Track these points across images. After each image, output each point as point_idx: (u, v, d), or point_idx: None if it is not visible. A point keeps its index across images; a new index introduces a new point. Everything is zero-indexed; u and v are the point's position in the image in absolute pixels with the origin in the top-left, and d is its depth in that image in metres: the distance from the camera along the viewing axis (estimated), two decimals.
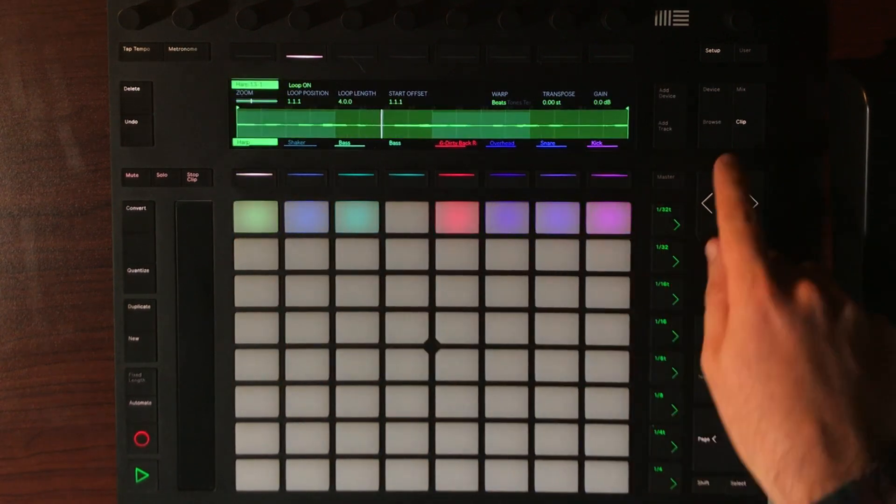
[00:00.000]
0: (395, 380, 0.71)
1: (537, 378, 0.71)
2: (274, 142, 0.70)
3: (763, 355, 0.57)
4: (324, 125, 0.70)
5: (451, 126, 0.70)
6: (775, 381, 0.57)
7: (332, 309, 0.71)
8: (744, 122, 0.70)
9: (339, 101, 0.70)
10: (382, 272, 0.71)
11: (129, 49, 0.69)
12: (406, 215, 0.70)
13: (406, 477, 0.71)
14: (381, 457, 0.71)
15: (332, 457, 0.71)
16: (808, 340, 0.57)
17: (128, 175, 0.70)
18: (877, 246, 0.68)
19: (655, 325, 0.70)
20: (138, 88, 0.70)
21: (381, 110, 0.70)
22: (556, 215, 0.70)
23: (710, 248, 0.66)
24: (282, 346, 0.71)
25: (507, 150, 0.70)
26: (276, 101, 0.70)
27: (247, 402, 0.71)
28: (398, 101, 0.70)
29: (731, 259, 0.60)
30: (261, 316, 0.71)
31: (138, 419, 0.71)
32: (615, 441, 0.71)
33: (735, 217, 0.61)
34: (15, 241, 0.73)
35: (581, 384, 0.71)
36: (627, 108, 0.70)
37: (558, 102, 0.70)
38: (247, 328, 0.71)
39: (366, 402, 0.71)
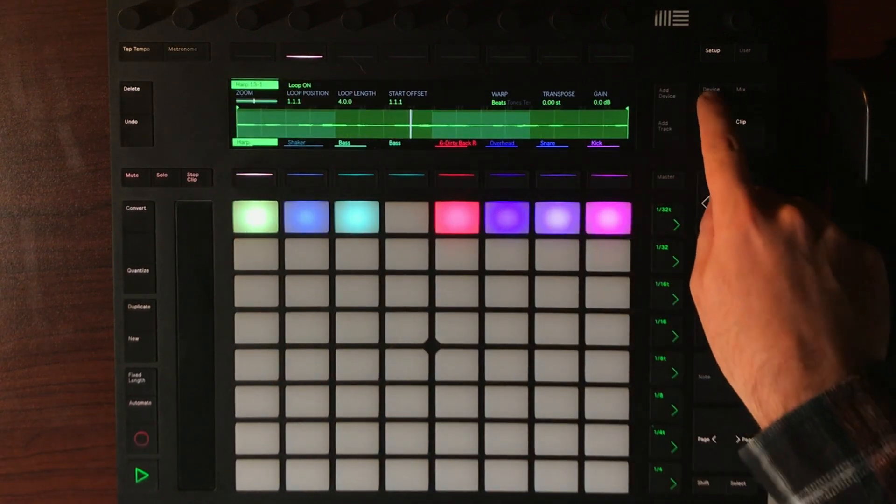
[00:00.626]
0: (395, 380, 0.71)
1: (537, 378, 0.71)
2: (274, 142, 0.70)
3: (743, 272, 0.59)
4: (324, 125, 0.70)
5: (451, 126, 0.70)
6: (754, 296, 0.58)
7: (332, 309, 0.71)
8: (744, 122, 0.70)
9: (339, 101, 0.70)
10: (382, 272, 0.71)
11: (129, 49, 0.69)
12: (406, 215, 0.70)
13: (406, 477, 0.71)
14: (381, 457, 0.71)
15: (332, 457, 0.71)
16: (788, 258, 0.59)
17: (128, 175, 0.70)
18: (877, 245, 0.68)
19: (655, 325, 0.70)
20: (138, 88, 0.70)
21: (381, 110, 0.70)
22: (556, 215, 0.70)
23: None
24: (282, 346, 0.71)
25: (507, 150, 0.70)
26: (276, 101, 0.70)
27: (247, 402, 0.71)
28: (398, 101, 0.70)
29: (715, 187, 0.62)
30: (261, 316, 0.71)
31: (138, 419, 0.71)
32: (615, 441, 0.71)
33: (718, 147, 0.63)
34: (15, 241, 0.73)
35: (581, 384, 0.71)
36: (627, 108, 0.70)
37: (558, 102, 0.70)
38: (247, 328, 0.71)
39: (366, 402, 0.71)
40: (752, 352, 0.58)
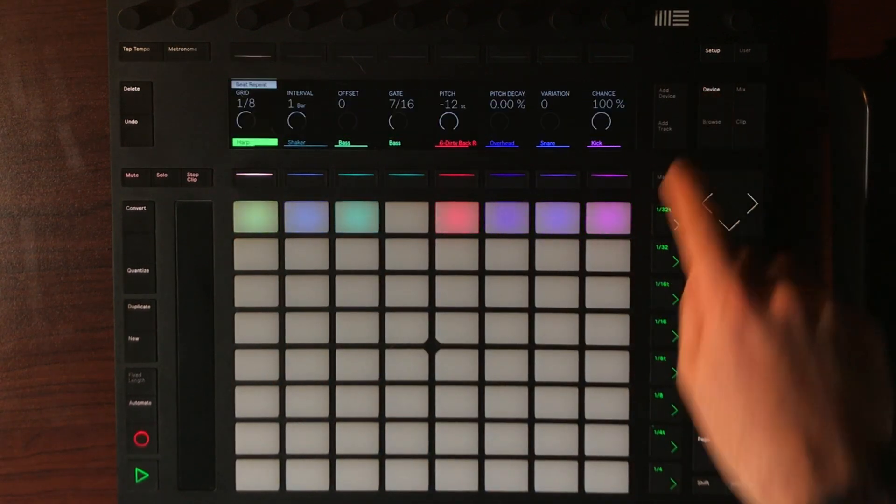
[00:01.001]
0: (395, 380, 0.71)
1: (537, 378, 0.71)
2: (274, 142, 0.70)
3: (741, 367, 0.56)
4: (324, 125, 0.70)
5: (451, 126, 0.70)
6: (756, 394, 0.56)
7: (332, 309, 0.71)
8: (744, 122, 0.70)
9: (339, 102, 0.70)
10: (382, 272, 0.71)
11: (129, 49, 0.69)
12: (406, 215, 0.70)
13: (406, 477, 0.71)
14: (381, 457, 0.71)
15: (332, 457, 0.71)
16: (788, 352, 0.56)
17: (128, 175, 0.70)
18: (877, 246, 0.68)
19: (655, 325, 0.70)
20: (138, 88, 0.70)
21: (381, 110, 0.70)
22: (556, 215, 0.70)
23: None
24: (282, 346, 0.71)
25: (507, 150, 0.70)
26: (276, 101, 0.70)
27: (247, 402, 0.71)
28: (398, 101, 0.70)
29: (699, 271, 0.59)
30: (261, 316, 0.71)
31: (138, 419, 0.71)
32: (615, 441, 0.71)
33: (698, 229, 0.59)
34: (15, 241, 0.73)
35: (581, 384, 0.71)
36: (627, 108, 0.70)
37: (558, 102, 0.70)
38: (247, 328, 0.71)
39: (366, 402, 0.71)
40: (759, 454, 0.55)
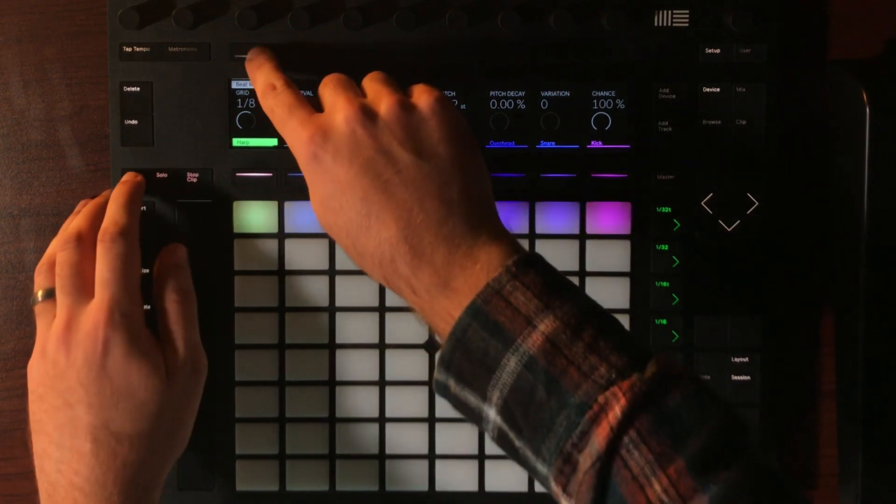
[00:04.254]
0: (395, 380, 0.71)
1: None
2: (274, 142, 0.70)
3: (329, 192, 0.59)
4: None
5: None
6: (348, 208, 0.58)
7: (332, 309, 0.71)
8: (744, 122, 0.70)
9: None
10: None
11: (129, 49, 0.69)
12: None
13: (406, 477, 0.71)
14: (381, 457, 0.71)
15: (332, 457, 0.71)
16: (358, 158, 0.58)
17: None
18: (877, 245, 0.68)
19: (655, 325, 0.70)
20: (138, 88, 0.70)
21: None
22: (556, 215, 0.70)
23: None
24: (282, 346, 0.71)
25: (507, 150, 0.70)
26: None
27: (247, 402, 0.71)
28: None
29: (279, 130, 0.63)
30: (261, 316, 0.71)
31: None
32: None
33: (264, 96, 0.64)
34: (15, 241, 0.73)
35: None
36: (627, 108, 0.70)
37: (558, 102, 0.70)
38: (247, 328, 0.71)
39: (366, 402, 0.71)
40: (370, 254, 0.58)
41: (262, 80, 0.65)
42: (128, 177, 0.69)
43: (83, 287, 0.65)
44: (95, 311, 0.64)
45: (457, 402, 0.56)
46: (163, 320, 0.67)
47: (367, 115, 0.59)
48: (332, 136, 0.59)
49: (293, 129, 0.61)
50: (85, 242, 0.66)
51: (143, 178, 0.69)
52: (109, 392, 0.63)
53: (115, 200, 0.67)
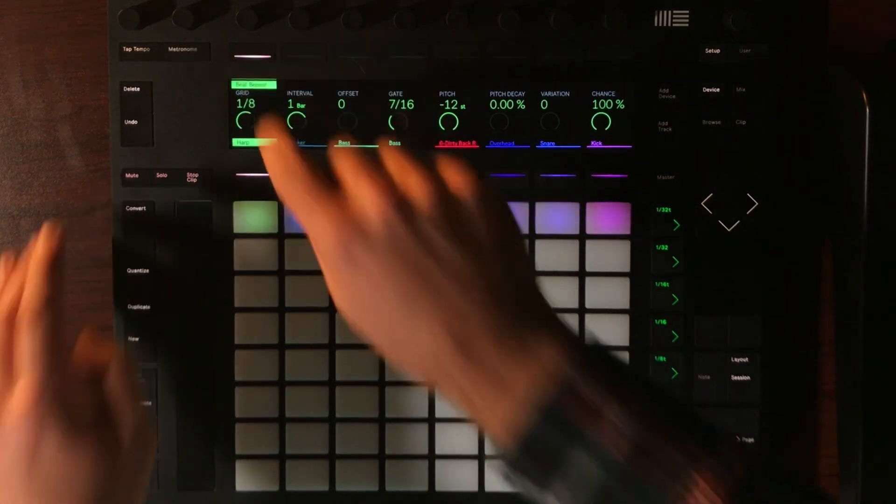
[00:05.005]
0: (395, 380, 0.71)
1: None
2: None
3: (365, 291, 0.54)
4: (324, 125, 0.70)
5: (451, 126, 0.70)
6: (385, 305, 0.53)
7: (332, 309, 0.71)
8: (744, 122, 0.70)
9: (339, 101, 0.70)
10: None
11: (129, 49, 0.69)
12: None
13: (406, 477, 0.71)
14: (381, 457, 0.71)
15: (332, 457, 0.71)
16: (395, 252, 0.53)
17: (128, 175, 0.70)
18: (877, 245, 0.68)
19: (655, 325, 0.70)
20: (138, 88, 0.70)
21: (381, 111, 0.70)
22: (556, 215, 0.70)
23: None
24: (282, 346, 0.71)
25: (507, 150, 0.70)
26: (276, 101, 0.70)
27: (247, 402, 0.71)
28: (398, 101, 0.70)
29: (301, 220, 0.57)
30: (261, 316, 0.71)
31: None
32: None
33: (283, 179, 0.57)
34: (15, 241, 0.73)
35: None
36: (627, 108, 0.70)
37: (558, 102, 0.70)
38: (247, 328, 0.71)
39: (366, 402, 0.71)
40: (411, 354, 0.54)
41: (279, 162, 0.57)
42: (45, 235, 0.62)
43: (9, 371, 0.58)
44: (22, 398, 0.57)
45: (525, 492, 0.53)
46: (106, 392, 0.61)
47: (402, 203, 0.54)
48: (366, 231, 0.53)
49: (320, 225, 0.55)
50: (10, 320, 0.59)
51: (63, 231, 0.63)
52: (47, 490, 0.57)
53: (36, 268, 0.61)
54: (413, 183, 0.55)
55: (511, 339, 0.52)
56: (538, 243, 0.70)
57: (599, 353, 0.53)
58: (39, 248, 0.62)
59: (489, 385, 0.52)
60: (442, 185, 0.55)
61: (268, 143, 0.58)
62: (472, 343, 0.52)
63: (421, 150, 0.70)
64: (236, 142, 0.70)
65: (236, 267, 0.71)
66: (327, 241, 0.54)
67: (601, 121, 0.70)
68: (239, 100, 0.70)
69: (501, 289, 0.54)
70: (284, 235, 0.70)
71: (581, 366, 0.51)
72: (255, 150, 0.70)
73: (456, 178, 0.56)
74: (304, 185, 0.56)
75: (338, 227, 0.54)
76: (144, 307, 0.70)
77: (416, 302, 0.53)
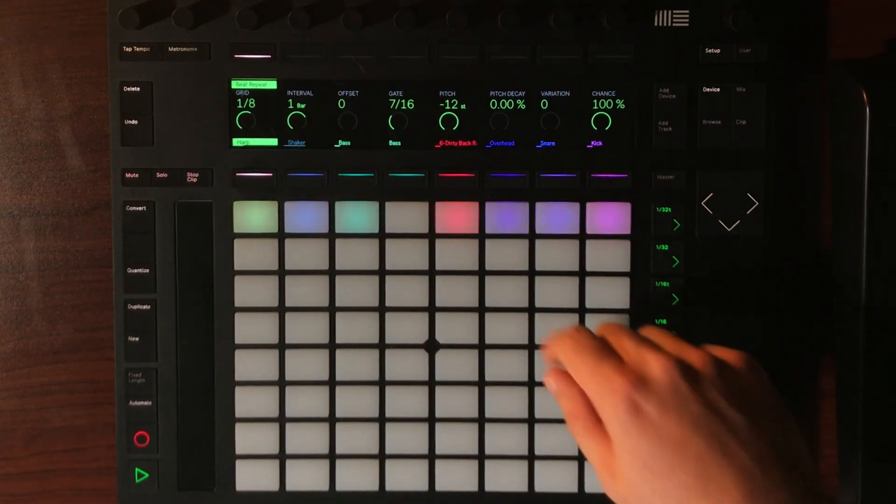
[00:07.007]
0: (395, 380, 0.71)
1: (537, 378, 0.71)
2: (274, 142, 0.70)
3: (655, 450, 0.54)
4: (324, 125, 0.70)
5: (451, 126, 0.70)
6: (680, 470, 0.54)
7: (332, 309, 0.71)
8: (744, 122, 0.70)
9: (339, 101, 0.70)
10: (382, 272, 0.71)
11: (129, 49, 0.69)
12: (406, 215, 0.70)
13: (406, 477, 0.71)
14: (381, 457, 0.71)
15: (332, 457, 0.71)
16: (687, 415, 0.55)
17: (128, 175, 0.70)
18: (878, 245, 0.68)
19: (655, 324, 0.70)
20: (138, 88, 0.70)
21: (382, 110, 0.70)
22: (556, 215, 0.70)
23: (550, 383, 0.61)
24: (282, 346, 0.71)
25: (507, 150, 0.70)
26: (276, 101, 0.70)
27: (247, 402, 0.71)
28: (398, 101, 0.70)
29: (581, 375, 0.58)
30: (261, 316, 0.71)
31: (138, 419, 0.71)
32: None
33: (563, 338, 0.60)
34: (15, 241, 0.73)
35: None
36: (627, 108, 0.70)
37: (558, 102, 0.70)
38: (247, 328, 0.71)
39: (366, 402, 0.71)
40: None
41: (573, 357, 0.59)
42: None
43: None
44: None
45: None
46: None
47: (687, 368, 0.56)
48: (654, 386, 0.55)
49: (607, 376, 0.56)
50: None
51: None
52: None
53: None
54: (689, 353, 0.57)
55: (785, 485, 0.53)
56: (538, 243, 0.70)
57: None
58: None
59: None
60: (718, 357, 0.57)
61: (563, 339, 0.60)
62: (760, 493, 0.53)
63: (421, 149, 0.70)
64: (236, 142, 0.70)
65: (236, 267, 0.71)
66: (617, 396, 0.55)
67: (601, 121, 0.70)
68: (239, 100, 0.70)
69: (793, 465, 0.54)
70: (284, 235, 0.70)
71: None
72: (255, 149, 0.70)
73: (728, 353, 0.58)
74: (590, 342, 0.58)
75: (626, 378, 0.55)
76: (144, 307, 0.70)
77: (713, 467, 0.54)
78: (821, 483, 0.55)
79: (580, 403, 0.58)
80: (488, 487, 0.71)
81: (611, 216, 0.70)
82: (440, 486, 0.71)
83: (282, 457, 0.71)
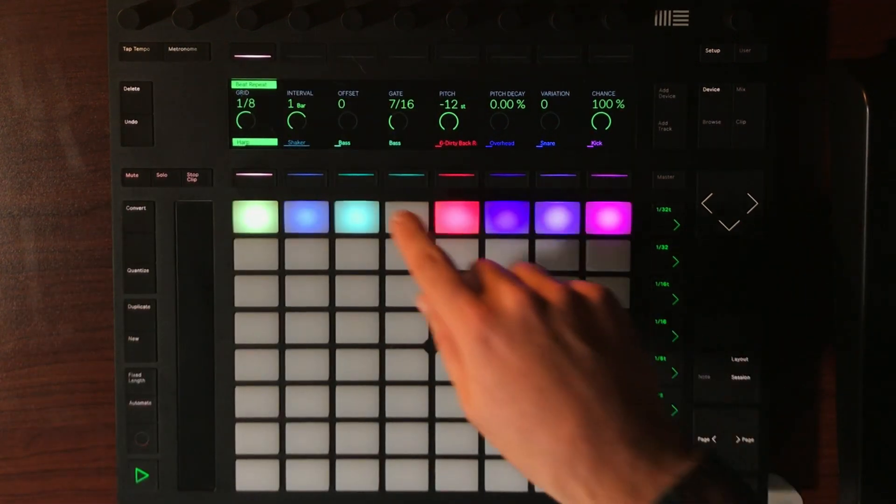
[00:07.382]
0: (395, 380, 0.71)
1: None
2: (274, 142, 0.70)
3: (500, 380, 0.56)
4: (324, 125, 0.70)
5: (451, 126, 0.70)
6: (521, 399, 0.55)
7: (332, 309, 0.71)
8: (744, 122, 0.70)
9: (339, 101, 0.70)
10: (382, 272, 0.71)
11: (129, 49, 0.69)
12: None
13: (406, 477, 0.71)
14: (381, 457, 0.71)
15: (332, 457, 0.71)
16: (532, 346, 0.56)
17: (128, 175, 0.70)
18: (877, 245, 0.68)
19: (655, 325, 0.70)
20: (138, 88, 0.70)
21: (382, 110, 0.70)
22: (556, 215, 0.70)
23: (421, 305, 0.63)
24: (282, 346, 0.71)
25: (507, 150, 0.70)
26: (276, 101, 0.70)
27: (247, 402, 0.71)
28: (398, 101, 0.70)
29: (439, 307, 0.59)
30: (261, 316, 0.71)
31: (138, 419, 0.71)
32: None
33: (423, 266, 0.61)
34: (15, 241, 0.73)
35: None
36: (627, 108, 0.70)
37: (558, 102, 0.70)
38: (247, 328, 0.71)
39: (366, 402, 0.71)
40: (541, 451, 0.55)
41: (416, 248, 0.62)
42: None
43: None
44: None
45: None
46: None
47: (538, 301, 0.57)
48: (504, 319, 0.56)
49: (460, 308, 0.58)
50: None
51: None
52: None
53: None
54: (547, 286, 0.58)
55: (644, 448, 0.54)
56: (538, 243, 0.70)
57: (725, 468, 0.54)
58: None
59: (623, 492, 0.53)
60: (573, 291, 0.58)
61: (402, 222, 0.63)
62: (608, 450, 0.54)
63: (421, 149, 0.70)
64: (236, 142, 0.70)
65: (236, 267, 0.71)
66: (467, 325, 0.57)
67: (601, 121, 0.70)
68: (239, 100, 0.70)
69: (635, 398, 0.56)
70: (284, 235, 0.70)
71: (713, 480, 0.53)
72: (255, 149, 0.70)
73: (585, 287, 0.59)
74: (447, 274, 0.59)
75: (478, 313, 0.57)
76: (144, 307, 0.70)
77: (552, 396, 0.55)
78: (668, 417, 0.57)
79: (445, 327, 0.60)
80: (488, 487, 0.71)
81: (611, 216, 0.70)
82: (440, 486, 0.71)
83: (282, 457, 0.71)
